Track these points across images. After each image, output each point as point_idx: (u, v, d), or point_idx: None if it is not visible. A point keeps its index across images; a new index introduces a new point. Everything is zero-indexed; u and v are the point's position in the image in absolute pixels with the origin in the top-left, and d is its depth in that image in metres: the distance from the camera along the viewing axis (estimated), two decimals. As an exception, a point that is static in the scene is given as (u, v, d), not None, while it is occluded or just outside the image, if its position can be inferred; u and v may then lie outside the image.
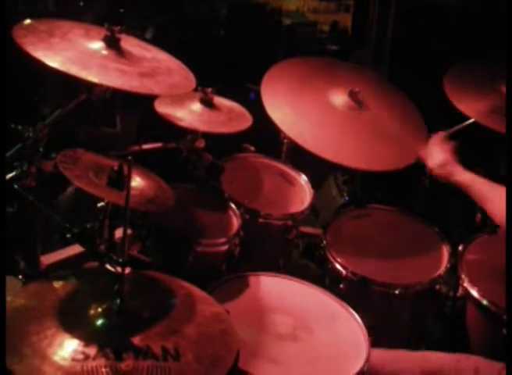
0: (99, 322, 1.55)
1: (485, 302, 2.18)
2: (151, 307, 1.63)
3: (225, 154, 2.68)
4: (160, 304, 1.68)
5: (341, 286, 2.33)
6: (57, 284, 1.68)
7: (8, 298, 1.58)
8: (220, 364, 1.54)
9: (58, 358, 1.45)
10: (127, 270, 1.56)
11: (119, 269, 1.57)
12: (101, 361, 1.45)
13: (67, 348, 1.48)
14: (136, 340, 1.52)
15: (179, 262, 2.27)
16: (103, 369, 1.44)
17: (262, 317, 2.03)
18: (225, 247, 2.33)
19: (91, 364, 1.44)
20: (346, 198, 3.23)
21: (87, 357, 1.45)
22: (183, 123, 2.37)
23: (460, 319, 2.30)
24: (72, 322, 1.54)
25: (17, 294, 1.64)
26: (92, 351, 1.47)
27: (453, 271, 2.38)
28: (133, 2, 3.68)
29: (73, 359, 1.45)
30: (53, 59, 1.86)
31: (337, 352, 1.94)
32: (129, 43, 2.10)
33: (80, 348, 1.48)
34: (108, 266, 1.61)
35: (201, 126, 2.40)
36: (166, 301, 1.69)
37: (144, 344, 1.51)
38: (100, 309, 1.57)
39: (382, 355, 2.01)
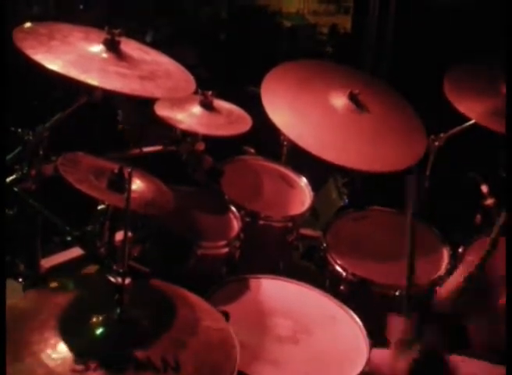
0: (99, 332, 1.54)
1: (485, 304, 2.18)
2: (150, 317, 1.62)
3: (225, 156, 2.68)
4: (160, 313, 1.67)
5: (341, 288, 2.34)
6: (57, 292, 1.67)
7: (9, 304, 1.57)
8: (220, 373, 1.54)
9: (59, 370, 1.44)
10: (127, 281, 1.56)
11: (119, 279, 1.56)
12: (101, 372, 1.45)
13: (68, 359, 1.46)
14: (137, 351, 1.50)
15: (179, 265, 2.27)
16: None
17: (262, 320, 2.04)
18: (226, 249, 2.33)
19: (91, 375, 1.44)
20: (346, 201, 3.23)
21: (87, 368, 1.45)
22: (182, 126, 2.37)
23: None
24: (73, 332, 1.53)
25: (18, 302, 1.64)
26: (92, 362, 1.46)
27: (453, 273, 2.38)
28: (133, 5, 3.69)
29: (73, 370, 1.44)
30: (53, 62, 1.87)
31: (337, 354, 1.94)
32: (129, 46, 2.10)
33: (81, 359, 1.47)
34: (109, 277, 1.60)
35: (201, 129, 2.40)
36: (166, 310, 1.68)
37: (144, 355, 1.50)
38: (100, 319, 1.56)
39: (382, 355, 2.01)
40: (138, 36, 2.48)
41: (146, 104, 2.41)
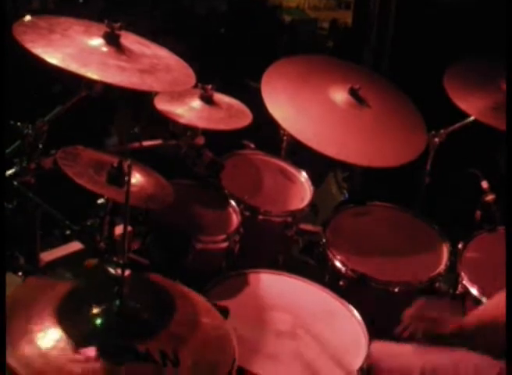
0: (99, 323, 1.54)
1: (484, 300, 2.18)
2: (150, 311, 1.62)
3: (225, 151, 2.68)
4: (159, 309, 1.67)
5: (341, 283, 2.34)
6: (57, 282, 1.67)
7: (9, 293, 1.57)
8: (218, 369, 1.55)
9: (59, 360, 1.44)
10: (127, 272, 1.55)
11: (118, 271, 1.56)
12: (101, 362, 1.45)
13: (68, 349, 1.47)
14: (136, 343, 1.51)
15: (179, 259, 2.27)
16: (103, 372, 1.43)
17: (262, 314, 2.04)
18: (225, 244, 2.33)
19: (91, 366, 1.44)
20: (346, 195, 3.23)
21: (87, 359, 1.45)
22: (182, 120, 2.37)
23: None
24: (73, 322, 1.53)
25: (17, 290, 1.64)
26: (92, 353, 1.47)
27: (453, 269, 2.38)
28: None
29: (73, 360, 1.44)
30: (53, 56, 1.86)
31: (337, 349, 1.95)
32: (128, 40, 2.10)
33: (80, 349, 1.47)
34: (109, 268, 1.60)
35: (201, 123, 2.39)
36: (165, 306, 1.69)
37: (143, 348, 1.50)
38: (100, 310, 1.56)
39: (381, 349, 2.01)
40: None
41: (142, 110, 2.41)
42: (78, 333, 1.50)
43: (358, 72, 2.87)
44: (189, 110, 2.43)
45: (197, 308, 1.72)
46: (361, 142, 2.55)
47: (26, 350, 1.45)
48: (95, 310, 1.56)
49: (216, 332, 1.66)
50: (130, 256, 1.59)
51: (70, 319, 1.54)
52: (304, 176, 2.75)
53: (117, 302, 1.55)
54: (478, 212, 2.54)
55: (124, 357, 1.47)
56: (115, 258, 1.57)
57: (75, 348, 1.47)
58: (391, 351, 2.04)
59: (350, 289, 2.31)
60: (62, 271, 1.75)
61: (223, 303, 1.80)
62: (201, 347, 1.58)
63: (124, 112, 3.00)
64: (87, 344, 1.47)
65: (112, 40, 2.02)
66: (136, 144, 2.29)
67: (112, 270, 1.57)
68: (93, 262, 1.85)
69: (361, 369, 1.87)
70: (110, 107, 2.94)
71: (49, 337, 1.49)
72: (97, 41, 2.01)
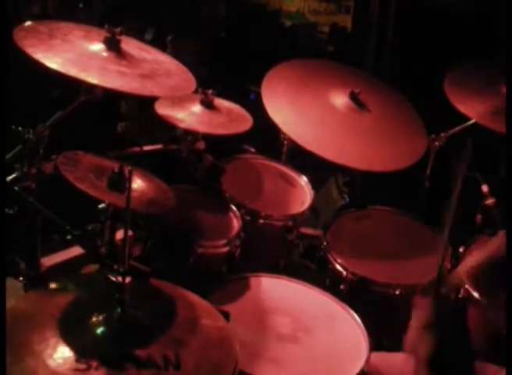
0: (100, 331, 1.54)
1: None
2: (151, 316, 1.62)
3: (225, 155, 2.68)
4: (160, 312, 1.67)
5: (341, 287, 2.33)
6: (57, 292, 1.67)
7: (10, 306, 1.57)
8: (221, 371, 1.54)
9: (61, 369, 1.44)
10: (128, 280, 1.55)
11: (119, 278, 1.56)
12: (103, 371, 1.45)
13: (69, 358, 1.46)
14: (138, 349, 1.51)
15: (179, 264, 2.27)
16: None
17: (263, 318, 2.04)
18: (226, 248, 2.33)
19: (93, 374, 1.44)
20: (347, 200, 3.23)
21: (89, 367, 1.45)
22: (183, 125, 2.37)
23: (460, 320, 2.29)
24: (74, 331, 1.53)
25: (18, 303, 1.63)
26: (94, 361, 1.46)
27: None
28: (133, 4, 3.69)
29: (76, 369, 1.44)
30: (53, 61, 1.86)
31: (337, 353, 1.94)
32: (129, 45, 2.10)
33: (82, 359, 1.47)
34: (110, 276, 1.60)
35: (201, 128, 2.40)
36: (166, 309, 1.68)
37: (145, 354, 1.50)
38: (101, 318, 1.56)
39: (379, 359, 2.00)
40: (137, 34, 2.48)
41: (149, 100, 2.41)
42: (80, 342, 1.50)
43: (358, 76, 2.87)
44: (189, 115, 2.44)
45: (197, 310, 1.72)
46: (361, 146, 2.56)
47: (30, 362, 1.45)
48: (96, 318, 1.55)
49: (218, 334, 1.65)
50: (131, 263, 1.58)
51: (72, 328, 1.54)
52: (304, 180, 2.76)
53: (118, 310, 1.55)
54: (479, 216, 2.55)
55: (125, 363, 1.47)
56: (115, 266, 1.56)
57: (77, 358, 1.46)
58: (388, 361, 2.03)
59: (350, 292, 2.31)
60: (62, 281, 1.75)
61: (224, 307, 1.80)
62: (203, 349, 1.58)
63: (131, 102, 3.00)
64: (89, 353, 1.47)
65: (112, 45, 2.02)
66: (137, 149, 2.30)
67: (112, 278, 1.57)
68: (92, 268, 1.85)
69: (361, 372, 1.87)
70: (112, 112, 2.94)
71: (52, 349, 1.48)
72: (97, 46, 2.01)
